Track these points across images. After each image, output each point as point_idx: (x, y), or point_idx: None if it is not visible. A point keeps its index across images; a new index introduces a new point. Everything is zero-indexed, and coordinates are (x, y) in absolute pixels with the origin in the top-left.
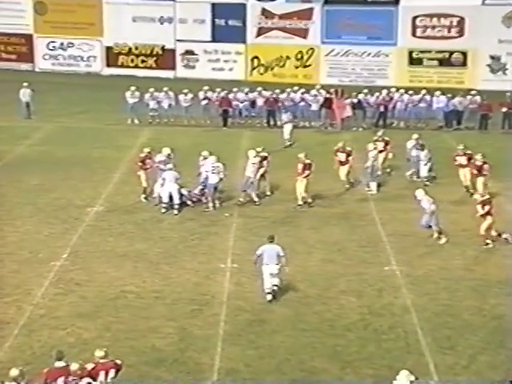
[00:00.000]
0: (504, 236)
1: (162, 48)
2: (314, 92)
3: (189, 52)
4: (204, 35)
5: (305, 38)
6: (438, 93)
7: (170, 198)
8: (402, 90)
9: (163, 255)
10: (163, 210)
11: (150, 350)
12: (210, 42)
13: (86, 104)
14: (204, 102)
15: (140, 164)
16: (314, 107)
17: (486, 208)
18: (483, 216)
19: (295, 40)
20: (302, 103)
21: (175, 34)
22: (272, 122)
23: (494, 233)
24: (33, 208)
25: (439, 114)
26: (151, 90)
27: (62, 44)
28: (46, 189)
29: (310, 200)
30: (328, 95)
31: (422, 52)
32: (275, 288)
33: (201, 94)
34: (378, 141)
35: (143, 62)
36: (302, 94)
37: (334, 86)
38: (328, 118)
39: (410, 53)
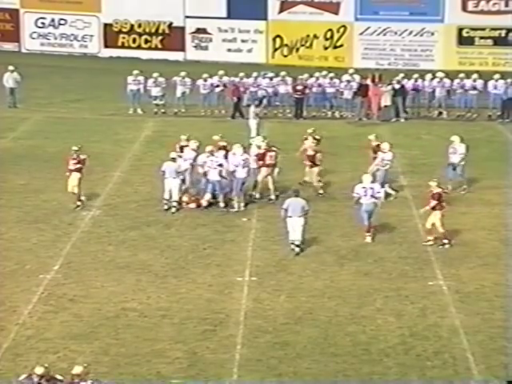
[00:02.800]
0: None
1: (170, 26)
2: (346, 77)
3: (200, 30)
4: (218, 11)
5: (336, 13)
6: (496, 76)
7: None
8: (442, 74)
9: (171, 267)
10: (165, 207)
11: (154, 378)
12: (226, 18)
13: (81, 91)
14: (218, 89)
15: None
16: (347, 95)
17: None
18: None
19: (324, 16)
20: (332, 90)
21: (184, 10)
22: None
23: None
24: (19, 212)
25: (495, 102)
26: (155, 75)
27: (52, 21)
28: (35, 189)
29: (257, 195)
30: (364, 81)
31: (473, 29)
32: (298, 243)
33: (215, 80)
34: (307, 139)
35: (147, 42)
36: (332, 79)
37: (369, 70)
38: (363, 107)
39: (460, 30)
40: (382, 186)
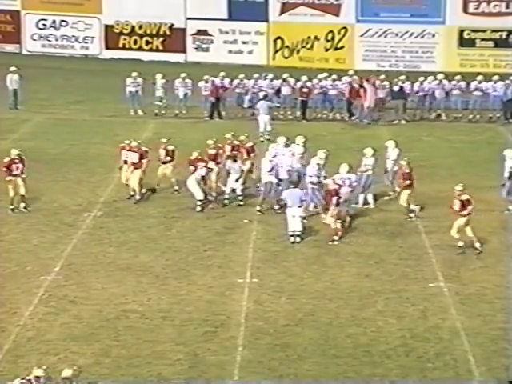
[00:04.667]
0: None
1: (170, 27)
2: (347, 79)
3: (201, 32)
4: (219, 12)
5: (337, 15)
6: (495, 77)
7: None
8: (441, 75)
9: (171, 268)
10: (198, 209)
11: (155, 379)
12: (226, 20)
13: (82, 92)
14: (221, 91)
15: (5, 170)
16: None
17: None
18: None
19: (325, 18)
20: (335, 92)
21: (185, 11)
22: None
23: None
24: (20, 213)
25: (495, 104)
26: (158, 76)
27: (53, 22)
28: (36, 191)
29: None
30: (365, 83)
31: (474, 31)
32: (298, 233)
33: (217, 82)
34: (227, 144)
35: (148, 43)
36: (334, 81)
37: (371, 72)
38: (362, 109)
39: (461, 32)
40: (363, 192)
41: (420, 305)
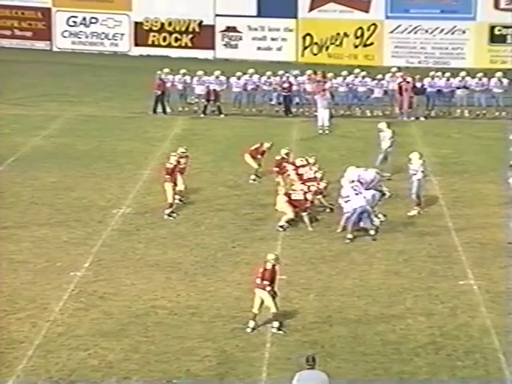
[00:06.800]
0: None
1: (200, 24)
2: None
3: (230, 29)
4: (248, 9)
5: (366, 11)
6: None
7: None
8: (464, 73)
9: (200, 265)
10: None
11: (184, 375)
12: (256, 16)
13: (112, 89)
14: (250, 88)
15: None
16: (377, 93)
17: None
18: None
19: (355, 14)
20: (363, 89)
21: (215, 8)
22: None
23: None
24: (50, 209)
25: None
26: (200, 73)
27: (84, 19)
28: (66, 187)
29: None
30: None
31: (506, 27)
32: None
33: (245, 79)
34: (182, 157)
35: (177, 40)
36: (363, 78)
37: (400, 69)
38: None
39: (492, 28)
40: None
41: (449, 302)
